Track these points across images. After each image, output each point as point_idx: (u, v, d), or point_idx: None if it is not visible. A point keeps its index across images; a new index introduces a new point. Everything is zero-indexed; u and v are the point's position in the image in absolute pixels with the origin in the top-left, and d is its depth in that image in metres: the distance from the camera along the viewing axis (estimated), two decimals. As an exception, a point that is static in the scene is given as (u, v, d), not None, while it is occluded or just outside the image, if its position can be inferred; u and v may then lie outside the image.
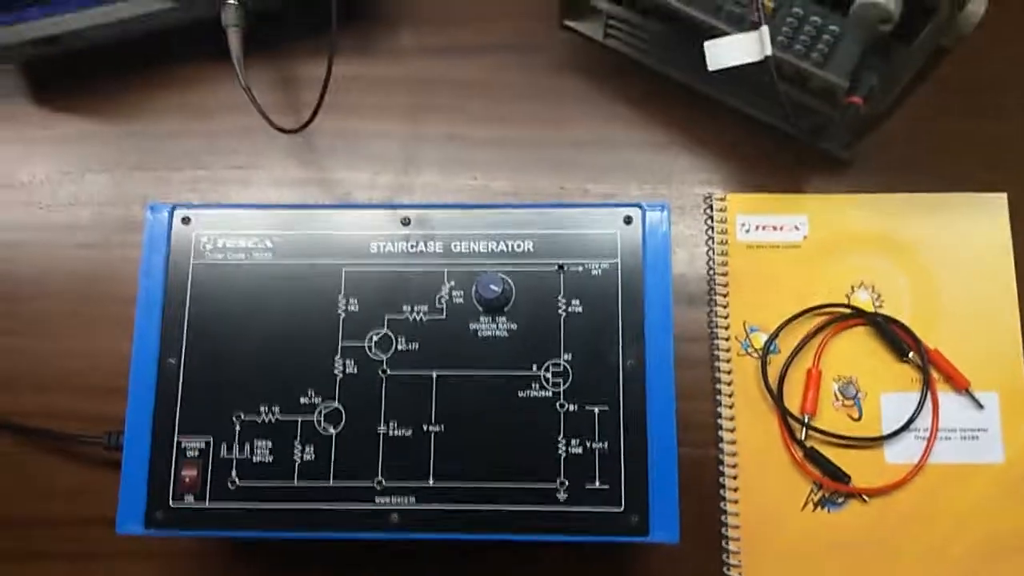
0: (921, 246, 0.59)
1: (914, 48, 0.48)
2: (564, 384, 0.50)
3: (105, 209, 0.62)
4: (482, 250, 0.52)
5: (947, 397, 0.57)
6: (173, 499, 0.49)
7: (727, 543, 0.55)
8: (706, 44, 0.50)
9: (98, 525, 0.55)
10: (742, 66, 0.50)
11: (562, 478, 0.48)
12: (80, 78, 0.64)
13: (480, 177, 0.62)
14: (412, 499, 0.49)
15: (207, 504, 0.49)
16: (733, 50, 0.49)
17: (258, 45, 0.62)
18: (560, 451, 0.49)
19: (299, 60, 0.65)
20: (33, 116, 0.64)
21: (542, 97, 0.63)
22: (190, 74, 0.64)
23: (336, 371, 0.50)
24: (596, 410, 0.49)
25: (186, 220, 0.52)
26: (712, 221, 0.60)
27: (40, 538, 0.56)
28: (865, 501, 0.55)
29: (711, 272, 0.59)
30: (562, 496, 0.48)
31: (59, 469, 0.57)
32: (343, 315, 0.51)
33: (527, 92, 0.63)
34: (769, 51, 0.48)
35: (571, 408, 0.49)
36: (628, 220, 0.52)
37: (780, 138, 0.60)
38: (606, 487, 0.48)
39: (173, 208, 0.53)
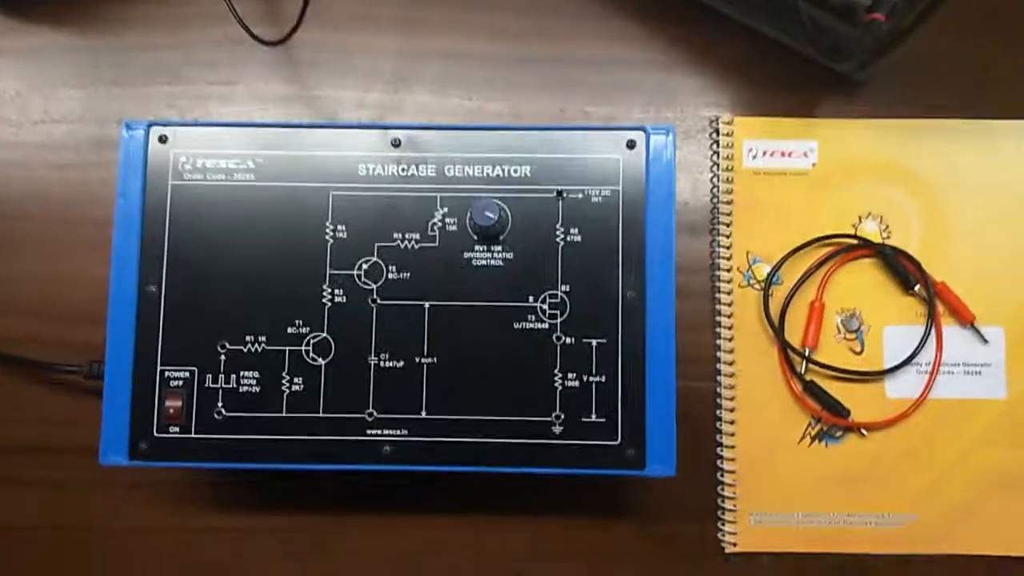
0: (934, 176, 0.56)
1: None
2: (561, 316, 0.48)
3: (79, 127, 0.59)
4: (477, 175, 0.49)
5: (952, 331, 0.55)
6: (157, 430, 0.48)
7: (723, 476, 0.54)
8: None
9: (80, 454, 0.53)
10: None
11: (558, 411, 0.47)
12: (48, -15, 0.60)
13: (475, 97, 0.59)
14: (404, 431, 0.47)
15: (192, 435, 0.48)
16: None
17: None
18: (556, 384, 0.47)
19: (282, -33, 0.61)
20: (0, 27, 0.60)
21: (542, 11, 0.60)
22: (165, -19, 0.60)
23: (324, 300, 0.48)
24: (594, 343, 0.48)
25: (163, 139, 0.50)
26: (718, 146, 0.57)
27: (20, 465, 0.55)
28: (864, 435, 0.54)
29: (715, 200, 0.57)
30: (557, 429, 0.47)
31: (39, 397, 0.55)
32: (331, 242, 0.49)
33: (527, 6, 0.60)
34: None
35: (568, 340, 0.48)
36: (631, 144, 0.49)
37: (791, 59, 0.57)
38: (603, 420, 0.47)
39: (149, 126, 0.50)
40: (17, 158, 0.58)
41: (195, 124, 0.50)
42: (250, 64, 0.59)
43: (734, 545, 0.54)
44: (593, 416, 0.47)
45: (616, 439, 0.47)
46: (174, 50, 0.59)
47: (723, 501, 0.54)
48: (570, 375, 0.47)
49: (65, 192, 0.58)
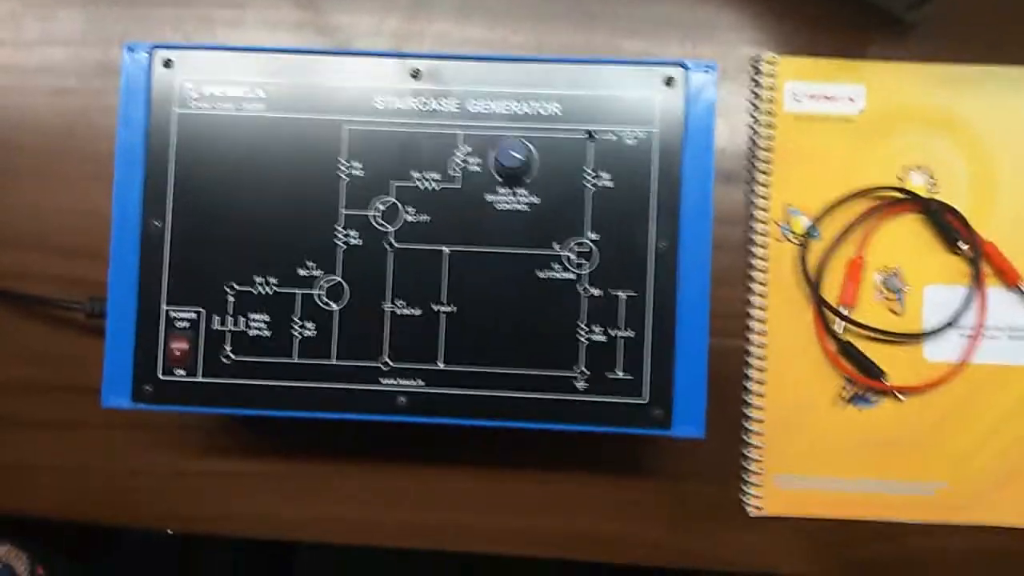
0: (988, 127, 0.53)
1: None
2: (589, 266, 0.45)
3: (79, 50, 0.55)
4: (502, 111, 0.46)
5: (997, 293, 0.52)
6: (162, 372, 0.45)
7: (749, 437, 0.52)
8: None
9: (81, 393, 0.52)
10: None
11: (582, 366, 0.45)
12: None
13: (498, 28, 0.55)
14: (420, 382, 0.45)
15: (199, 378, 0.45)
16: None
17: None
18: (581, 338, 0.45)
19: None
20: (-7, -62, 0.56)
21: (573, -64, 0.55)
22: None
23: (338, 242, 0.45)
24: (622, 295, 0.45)
25: (168, 63, 0.46)
26: (758, 87, 0.54)
27: (19, 405, 0.53)
28: (899, 399, 0.52)
29: (753, 146, 0.53)
30: (581, 385, 0.45)
31: (38, 334, 0.53)
32: (345, 179, 0.46)
33: (557, -70, 0.55)
34: None
35: (595, 292, 0.45)
36: (669, 81, 0.46)
37: (841, -5, 0.53)
38: (629, 377, 0.45)
39: (153, 48, 0.46)
40: (12, 83, 0.55)
41: (202, 47, 0.46)
42: (261, -14, 0.55)
43: (758, 509, 0.52)
44: (619, 372, 0.45)
45: (642, 397, 0.45)
46: (180, -31, 0.55)
47: (748, 462, 0.52)
48: (596, 329, 0.45)
49: (64, 120, 0.54)
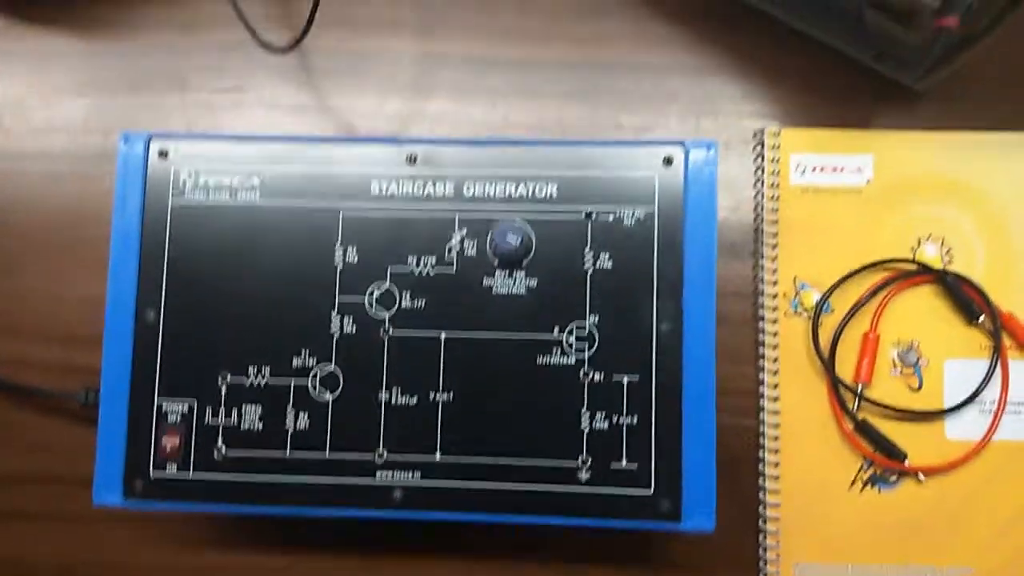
0: (1001, 195, 0.51)
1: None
2: (589, 350, 0.44)
3: (80, 136, 0.55)
4: (499, 194, 0.45)
5: (1019, 366, 0.50)
6: (154, 468, 0.44)
7: (765, 522, 0.50)
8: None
9: (74, 484, 0.51)
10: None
11: (585, 456, 0.43)
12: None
13: (500, 106, 0.54)
14: (417, 474, 0.44)
15: (191, 475, 0.44)
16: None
17: (248, -52, 0.55)
18: (583, 425, 0.43)
19: (296, -35, 0.57)
20: (2, 30, 0.57)
21: (571, 13, 0.55)
22: (172, -19, 0.57)
23: (333, 330, 0.44)
24: (625, 380, 0.44)
25: (164, 153, 0.46)
26: (763, 160, 0.53)
27: (13, 496, 0.52)
28: (921, 481, 0.50)
29: (759, 219, 0.52)
30: (584, 476, 0.43)
31: (31, 423, 0.52)
32: (340, 266, 0.45)
33: (555, 7, 0.55)
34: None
35: (596, 377, 0.44)
36: (668, 161, 0.45)
37: (843, 65, 0.52)
38: (634, 467, 0.43)
39: (149, 138, 0.46)
40: (13, 168, 0.55)
41: (198, 137, 0.46)
42: (261, 70, 0.55)
43: (776, 599, 0.49)
44: (624, 462, 0.43)
45: (649, 488, 0.43)
46: (182, 55, 0.56)
47: (765, 551, 0.49)
48: (598, 415, 0.43)
49: (64, 206, 0.54)
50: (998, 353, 0.50)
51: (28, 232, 0.54)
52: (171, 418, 0.44)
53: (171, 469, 0.44)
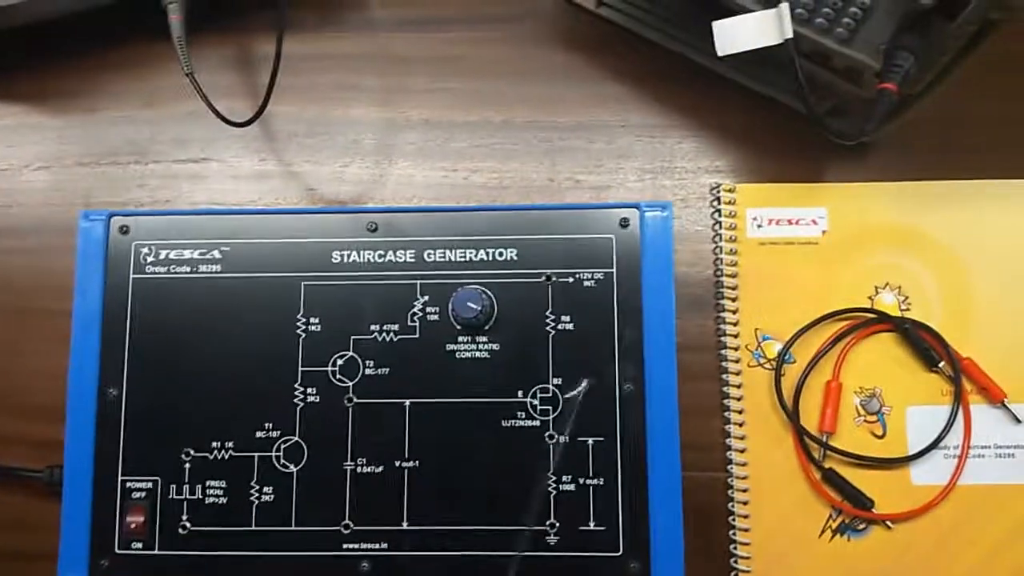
0: (954, 242, 0.52)
1: (959, 22, 0.41)
2: (553, 412, 0.44)
3: (43, 210, 0.55)
4: (460, 259, 0.46)
5: (980, 411, 0.51)
6: (119, 546, 0.44)
7: (736, 575, 0.50)
8: (715, 25, 0.43)
9: (41, 560, 0.50)
10: (756, 46, 0.43)
11: (552, 519, 0.43)
12: (14, 63, 0.58)
13: (461, 167, 0.55)
14: (384, 545, 0.43)
15: (156, 551, 0.44)
16: (747, 31, 0.42)
17: (210, 19, 0.55)
18: (550, 488, 0.43)
19: (257, 35, 0.58)
20: (-37, 104, 0.58)
21: (529, 75, 0.56)
22: (135, 57, 0.57)
23: (296, 400, 0.45)
24: (590, 441, 0.44)
25: (124, 229, 0.47)
26: (720, 215, 0.54)
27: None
28: (889, 528, 0.50)
29: (718, 273, 0.53)
30: (552, 540, 0.43)
31: (-3, 502, 0.52)
32: (303, 336, 0.45)
33: (513, 70, 0.56)
34: (790, 33, 0.42)
35: (562, 439, 0.44)
36: (624, 223, 0.46)
37: (795, 121, 0.53)
38: (602, 528, 0.43)
39: (110, 216, 0.47)
40: (-24, 244, 0.55)
41: (158, 213, 0.47)
42: (223, 140, 0.56)
43: (751, 654, 0.49)
44: (591, 524, 0.43)
45: (617, 550, 0.43)
46: (143, 126, 0.56)
47: (737, 605, 0.49)
48: (565, 478, 0.44)
49: (27, 279, 0.54)
50: (959, 399, 0.51)
51: (-9, 307, 0.54)
52: (135, 495, 0.44)
53: (136, 546, 0.44)
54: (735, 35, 0.42)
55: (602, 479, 0.43)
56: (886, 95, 0.43)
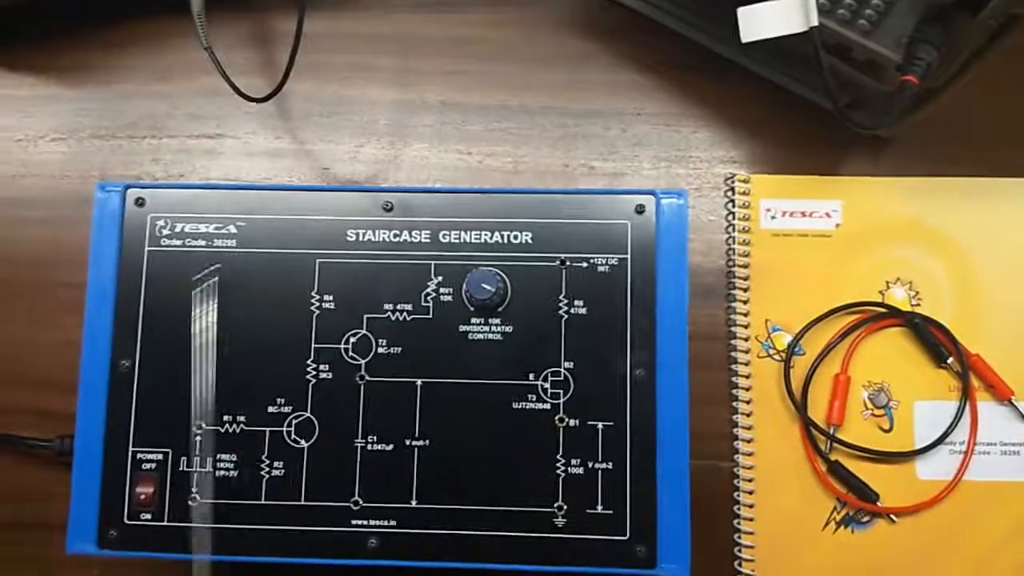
0: (967, 239, 0.52)
1: (982, 17, 0.41)
2: (564, 395, 0.44)
3: (59, 182, 0.56)
4: (474, 241, 0.46)
5: (987, 407, 0.51)
6: (128, 517, 0.44)
7: (741, 565, 0.50)
8: (740, 11, 0.43)
9: (51, 531, 0.50)
10: (779, 35, 0.43)
11: (560, 502, 0.43)
12: (32, 34, 0.58)
13: (475, 152, 0.55)
14: (392, 522, 0.44)
15: (165, 523, 0.44)
16: (772, 19, 0.42)
17: (228, -4, 0.56)
18: (559, 471, 0.44)
19: (275, 13, 0.58)
20: (-20, 74, 0.58)
21: (546, 60, 0.56)
22: (153, 31, 0.57)
23: (308, 377, 0.45)
24: (599, 425, 0.44)
25: (140, 201, 0.46)
26: (733, 206, 0.54)
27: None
28: (893, 521, 0.50)
29: (731, 264, 0.53)
30: (560, 522, 0.43)
31: (8, 471, 0.52)
32: (316, 313, 0.45)
33: (529, 54, 0.56)
34: (815, 21, 0.41)
35: (571, 423, 0.44)
36: (640, 209, 0.46)
37: (812, 113, 0.53)
38: (609, 512, 0.43)
39: (126, 188, 0.47)
40: (-8, 215, 0.55)
41: (174, 186, 0.47)
42: (239, 116, 0.56)
43: (752, 642, 0.49)
44: (599, 508, 0.43)
45: (624, 534, 0.43)
46: (159, 101, 0.56)
47: (740, 593, 0.50)
48: (574, 461, 0.44)
49: (41, 251, 0.55)
50: (966, 395, 0.51)
51: (5, 278, 0.54)
52: (146, 467, 0.44)
53: (145, 517, 0.44)
54: (760, 21, 0.42)
55: (611, 463, 0.44)
56: (907, 88, 0.43)
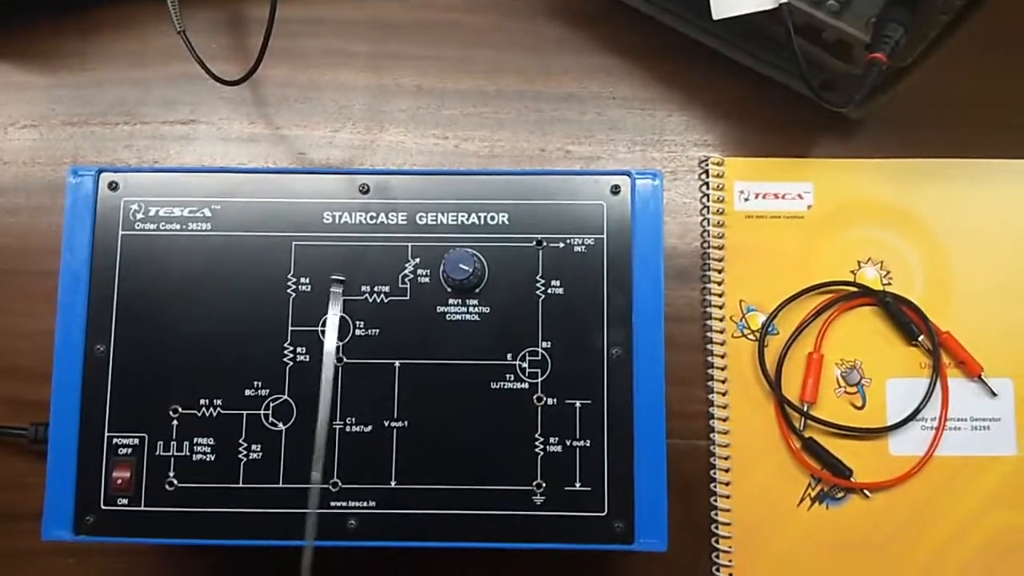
0: (936, 218, 0.53)
1: (948, -4, 0.41)
2: (542, 375, 0.44)
3: (30, 169, 0.55)
4: (451, 222, 0.46)
5: (958, 384, 0.52)
6: (104, 502, 0.44)
7: (718, 542, 0.50)
8: (710, -11, 0.43)
9: (26, 520, 0.50)
10: (750, 14, 0.44)
11: (539, 480, 0.44)
12: (2, 23, 0.57)
13: (452, 136, 0.55)
14: (372, 503, 0.44)
15: (142, 507, 0.44)
16: (742, -4, 0.42)
17: (200, -19, 0.55)
18: (537, 450, 0.44)
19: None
20: (-52, 61, 0.57)
21: (521, 45, 0.57)
22: (125, 16, 0.57)
23: (285, 359, 0.45)
24: (577, 404, 0.44)
25: (113, 185, 0.46)
26: (707, 188, 0.54)
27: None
28: (867, 496, 0.51)
29: (705, 245, 0.54)
30: (539, 499, 0.44)
31: (-20, 461, 0.52)
32: (293, 295, 0.45)
33: (504, 39, 0.57)
34: (784, -1, 0.42)
35: (549, 402, 0.44)
36: (615, 190, 0.46)
37: (784, 96, 0.54)
38: (587, 489, 0.44)
39: (99, 172, 0.46)
40: (-38, 203, 0.55)
41: (148, 169, 0.46)
42: (213, 101, 0.56)
43: (730, 618, 0.50)
44: (577, 485, 0.44)
45: (602, 510, 0.43)
46: (132, 87, 0.56)
47: (718, 569, 0.50)
48: (552, 440, 0.44)
49: (13, 239, 0.54)
50: (937, 372, 0.52)
51: (-25, 266, 0.54)
52: (122, 451, 0.44)
53: (122, 502, 0.44)
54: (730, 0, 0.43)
55: (588, 441, 0.44)
56: (875, 65, 0.44)
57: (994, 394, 0.52)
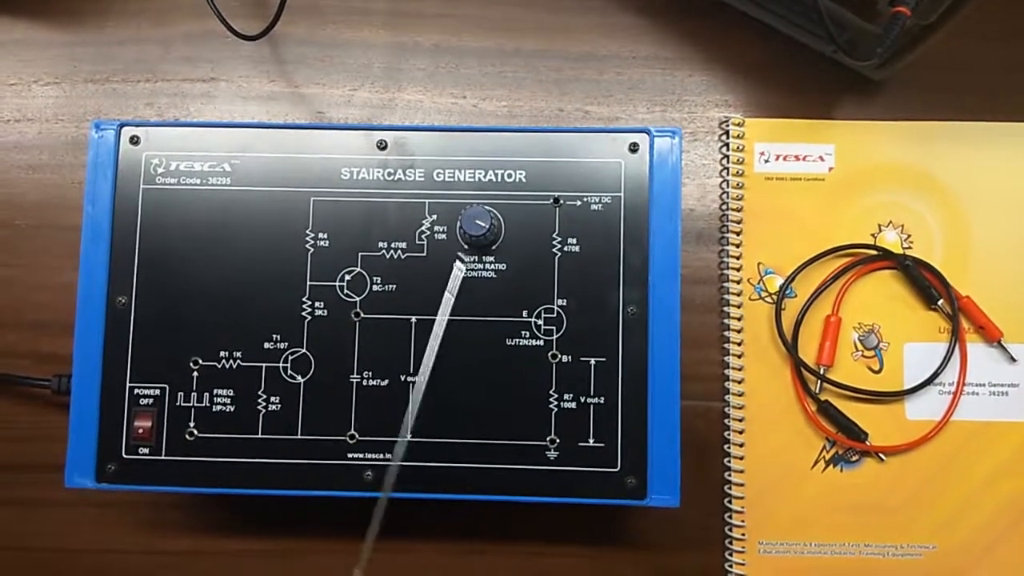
0: (958, 182, 0.53)
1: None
2: (557, 332, 0.45)
3: (53, 126, 0.56)
4: (468, 179, 0.46)
5: (977, 349, 0.52)
6: (126, 451, 0.45)
7: (731, 502, 0.51)
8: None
9: (49, 471, 0.51)
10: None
11: (553, 435, 0.44)
12: (22, -25, 0.57)
13: (470, 96, 0.55)
14: (388, 455, 0.44)
15: (163, 456, 0.45)
16: (764, -51, 0.41)
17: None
18: (551, 406, 0.44)
19: (268, -43, 0.57)
20: (-29, 18, 0.57)
21: (540, 3, 0.56)
22: (145, -28, 0.57)
23: (304, 314, 0.45)
24: (592, 361, 0.44)
25: (135, 140, 0.46)
26: (727, 149, 0.54)
27: (-14, 485, 0.52)
28: (882, 460, 0.51)
29: (724, 207, 0.53)
30: (552, 455, 0.44)
31: (5, 411, 0.53)
32: (311, 251, 0.45)
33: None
34: (807, -49, 0.41)
35: (564, 359, 0.44)
36: (634, 148, 0.46)
37: (806, 57, 0.53)
38: (601, 445, 0.44)
39: (120, 126, 0.47)
40: (-13, 158, 0.55)
41: (169, 124, 0.47)
42: (233, 60, 0.56)
43: (741, 576, 0.50)
44: (591, 441, 0.44)
45: (615, 466, 0.44)
46: (154, 44, 0.56)
47: (730, 529, 0.51)
48: (566, 396, 0.44)
49: (37, 195, 0.55)
50: (956, 336, 0.51)
51: (1, 221, 0.54)
52: (143, 402, 0.45)
53: (143, 451, 0.45)
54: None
55: (603, 398, 0.44)
56: (899, 18, 0.43)
57: (1013, 360, 0.51)
